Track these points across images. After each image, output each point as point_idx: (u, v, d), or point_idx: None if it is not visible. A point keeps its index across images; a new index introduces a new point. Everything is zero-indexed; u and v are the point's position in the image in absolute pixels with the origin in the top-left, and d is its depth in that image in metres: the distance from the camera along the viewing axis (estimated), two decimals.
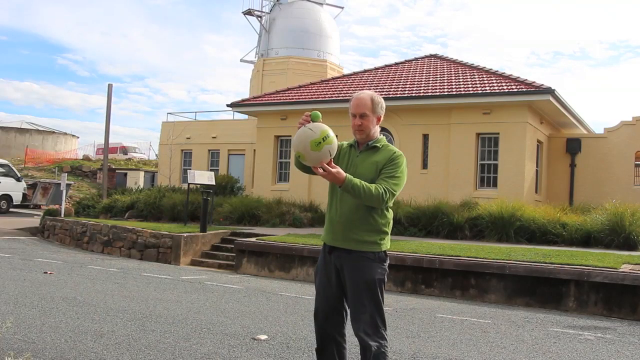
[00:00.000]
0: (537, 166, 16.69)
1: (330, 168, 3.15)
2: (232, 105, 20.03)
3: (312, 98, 18.22)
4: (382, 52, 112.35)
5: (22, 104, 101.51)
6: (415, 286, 9.40)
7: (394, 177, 3.29)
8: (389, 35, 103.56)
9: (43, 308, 6.43)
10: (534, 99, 15.09)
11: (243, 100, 20.11)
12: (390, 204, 3.35)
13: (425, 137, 16.77)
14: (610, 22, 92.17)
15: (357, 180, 3.18)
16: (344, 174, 3.17)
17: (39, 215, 19.69)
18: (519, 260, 8.79)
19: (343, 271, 3.36)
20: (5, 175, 22.85)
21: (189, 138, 23.59)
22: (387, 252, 3.42)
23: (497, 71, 17.47)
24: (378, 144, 3.44)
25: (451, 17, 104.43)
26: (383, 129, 17.41)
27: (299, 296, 8.33)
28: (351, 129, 3.50)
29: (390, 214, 3.42)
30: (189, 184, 15.38)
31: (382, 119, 3.48)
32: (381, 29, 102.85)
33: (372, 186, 3.20)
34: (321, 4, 27.13)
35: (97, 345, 4.95)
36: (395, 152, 3.40)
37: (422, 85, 17.25)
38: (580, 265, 8.36)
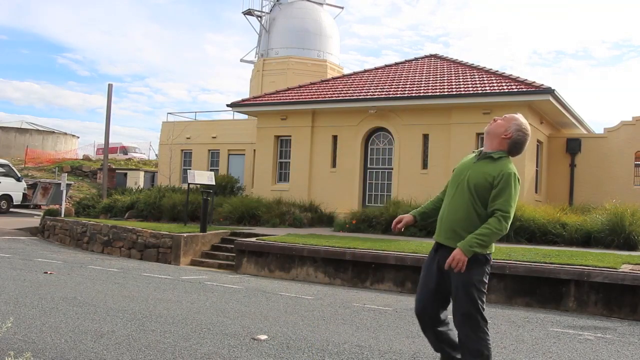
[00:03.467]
0: (537, 166, 16.69)
1: (451, 261, 3.52)
2: (232, 105, 20.03)
3: (312, 98, 18.23)
4: (384, 52, 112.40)
5: (22, 104, 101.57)
6: (415, 286, 9.37)
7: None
8: (390, 34, 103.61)
9: (43, 308, 6.44)
10: (534, 99, 15.10)
11: (243, 100, 20.11)
12: (506, 219, 3.56)
13: (425, 137, 16.77)
14: (613, 22, 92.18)
15: (471, 238, 3.53)
16: (460, 249, 3.52)
17: (39, 215, 19.69)
18: (519, 260, 8.79)
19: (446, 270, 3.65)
20: (5, 175, 22.86)
21: (189, 138, 23.59)
22: (490, 256, 3.69)
23: (497, 71, 17.48)
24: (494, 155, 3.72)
25: (453, 16, 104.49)
26: (383, 129, 17.44)
27: (299, 296, 8.33)
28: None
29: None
30: (189, 184, 15.38)
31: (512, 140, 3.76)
32: (383, 28, 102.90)
33: (486, 225, 3.55)
34: (321, 4, 27.12)
35: (97, 345, 4.95)
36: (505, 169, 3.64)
37: (422, 85, 17.25)
38: (580, 265, 8.37)
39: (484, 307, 3.63)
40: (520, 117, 3.80)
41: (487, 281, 3.68)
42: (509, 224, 3.56)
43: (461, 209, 3.68)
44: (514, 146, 3.75)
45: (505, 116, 3.82)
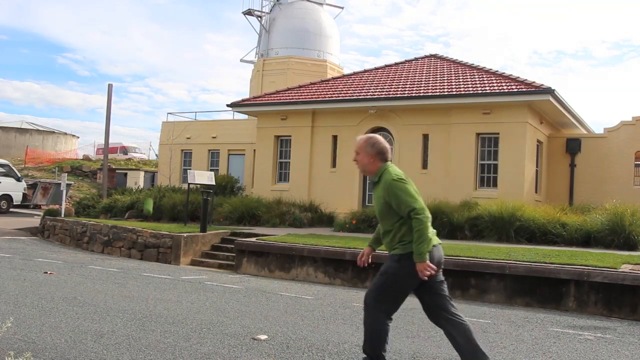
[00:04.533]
0: (537, 166, 16.69)
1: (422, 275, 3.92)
2: (232, 105, 20.03)
3: (312, 98, 18.23)
4: (384, 52, 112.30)
5: (22, 104, 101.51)
6: None
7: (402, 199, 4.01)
8: (391, 34, 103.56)
9: (43, 308, 6.44)
10: (534, 99, 15.10)
11: (243, 100, 20.12)
12: (420, 212, 3.96)
13: (425, 137, 16.77)
14: (613, 22, 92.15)
15: (416, 247, 3.91)
16: (417, 259, 3.91)
17: (39, 215, 19.69)
18: (519, 260, 8.79)
19: None
20: (5, 175, 22.86)
21: (189, 138, 23.59)
22: (403, 255, 4.04)
23: (497, 71, 17.48)
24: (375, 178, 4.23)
25: (453, 16, 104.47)
26: (383, 129, 17.44)
27: (299, 296, 8.34)
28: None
29: (406, 228, 4.04)
30: (189, 184, 15.38)
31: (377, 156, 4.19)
32: (383, 28, 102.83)
33: (414, 230, 3.94)
34: (321, 4, 27.12)
35: (97, 345, 4.95)
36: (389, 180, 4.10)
37: (422, 85, 17.25)
38: (580, 265, 8.37)
39: (383, 299, 4.08)
40: (361, 137, 4.32)
41: (400, 279, 4.03)
42: (425, 211, 3.97)
43: (387, 228, 4.19)
44: (382, 155, 4.22)
45: (355, 150, 4.28)
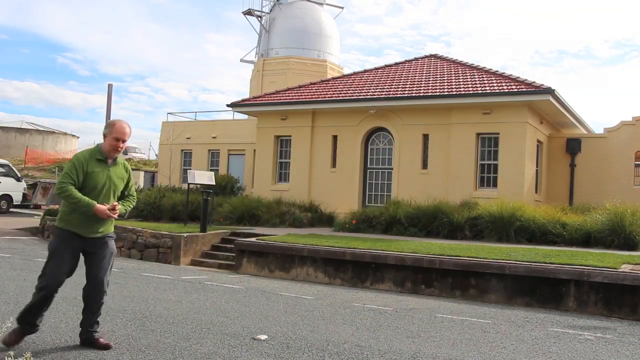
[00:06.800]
0: (537, 166, 16.69)
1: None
2: (232, 105, 20.04)
3: (312, 98, 18.23)
4: (386, 51, 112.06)
5: (23, 104, 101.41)
6: (415, 286, 9.41)
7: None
8: (392, 33, 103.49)
9: None
10: (534, 99, 15.10)
11: (243, 100, 20.12)
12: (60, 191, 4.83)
13: (425, 137, 16.77)
14: (615, 21, 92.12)
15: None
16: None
17: (39, 215, 19.69)
18: (519, 260, 8.80)
19: None
20: (5, 175, 22.87)
21: (189, 138, 23.59)
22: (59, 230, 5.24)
23: (497, 71, 17.48)
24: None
25: (455, 15, 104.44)
26: (383, 129, 17.45)
27: (299, 296, 8.34)
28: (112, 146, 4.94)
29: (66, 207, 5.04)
30: (189, 184, 15.37)
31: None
32: (385, 28, 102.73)
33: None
34: (321, 4, 27.13)
35: None
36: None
37: (422, 85, 17.25)
38: (580, 265, 8.38)
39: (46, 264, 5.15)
40: (127, 125, 5.02)
41: (54, 247, 5.33)
42: (58, 188, 4.83)
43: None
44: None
45: (125, 140, 5.00)
